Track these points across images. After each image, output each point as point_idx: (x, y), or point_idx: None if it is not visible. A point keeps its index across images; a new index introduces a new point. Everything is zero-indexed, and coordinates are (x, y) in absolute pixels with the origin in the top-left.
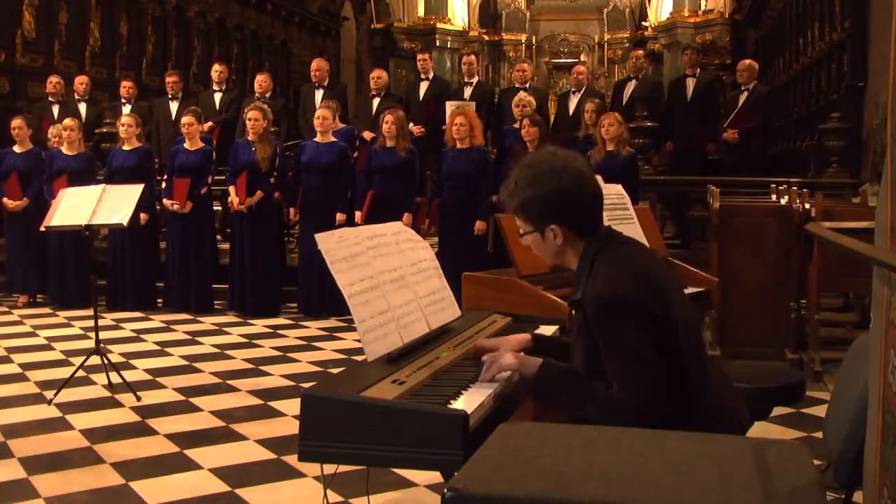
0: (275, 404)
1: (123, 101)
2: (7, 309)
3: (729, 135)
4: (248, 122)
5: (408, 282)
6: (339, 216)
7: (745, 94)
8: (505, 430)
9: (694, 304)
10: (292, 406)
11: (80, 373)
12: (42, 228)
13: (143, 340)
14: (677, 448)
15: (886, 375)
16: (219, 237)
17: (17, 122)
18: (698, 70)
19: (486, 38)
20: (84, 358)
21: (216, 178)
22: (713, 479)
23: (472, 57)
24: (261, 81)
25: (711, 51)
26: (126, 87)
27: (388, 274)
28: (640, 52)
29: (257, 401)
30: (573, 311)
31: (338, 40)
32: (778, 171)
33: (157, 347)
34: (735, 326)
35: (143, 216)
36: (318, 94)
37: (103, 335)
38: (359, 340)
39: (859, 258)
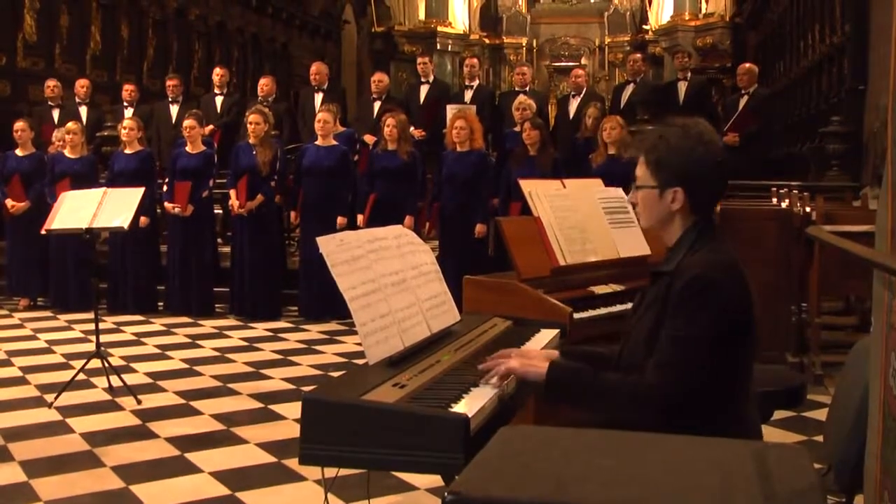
0: (275, 408)
1: (125, 104)
2: (8, 312)
3: (729, 138)
4: (248, 125)
5: (409, 285)
6: (341, 220)
7: (746, 97)
8: (505, 433)
9: None
10: (293, 409)
11: (81, 376)
12: (43, 231)
13: (144, 344)
14: (677, 451)
15: (887, 379)
16: (220, 240)
17: (20, 125)
18: (689, 74)
19: (487, 41)
20: (85, 361)
21: (217, 181)
22: (714, 482)
23: (475, 60)
24: (263, 85)
25: (712, 54)
26: (128, 90)
27: (389, 277)
28: (639, 55)
29: (258, 404)
30: (652, 283)
31: (339, 44)
32: (778, 175)
33: (158, 351)
34: None
35: (143, 219)
36: (318, 97)
37: (104, 338)
38: (360, 344)
39: (860, 262)
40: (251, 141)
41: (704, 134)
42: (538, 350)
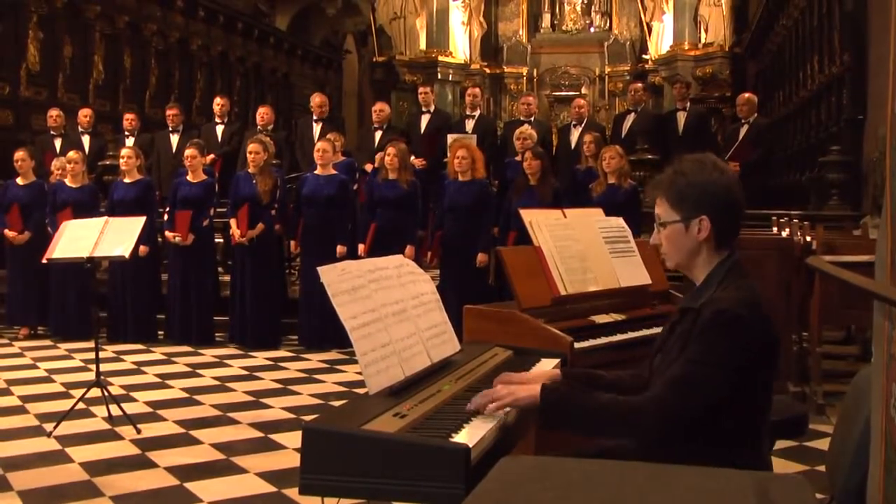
0: (275, 437)
1: (126, 133)
2: (8, 341)
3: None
4: (248, 154)
5: (409, 315)
6: (340, 248)
7: (746, 126)
8: (506, 463)
9: None
10: (293, 439)
11: (81, 405)
12: (44, 260)
13: (144, 373)
14: (679, 482)
15: (888, 409)
16: (220, 269)
17: (20, 154)
18: (689, 103)
19: (488, 70)
20: (84, 390)
21: (218, 210)
22: None
23: (477, 89)
24: (262, 114)
25: (712, 84)
26: (128, 119)
27: (390, 307)
28: (639, 84)
29: (258, 433)
30: (680, 319)
31: (340, 73)
32: (779, 204)
33: (158, 380)
34: None
35: (143, 248)
36: (316, 126)
37: (104, 367)
38: (360, 373)
39: (860, 292)
40: (251, 170)
41: (718, 162)
42: (533, 374)
